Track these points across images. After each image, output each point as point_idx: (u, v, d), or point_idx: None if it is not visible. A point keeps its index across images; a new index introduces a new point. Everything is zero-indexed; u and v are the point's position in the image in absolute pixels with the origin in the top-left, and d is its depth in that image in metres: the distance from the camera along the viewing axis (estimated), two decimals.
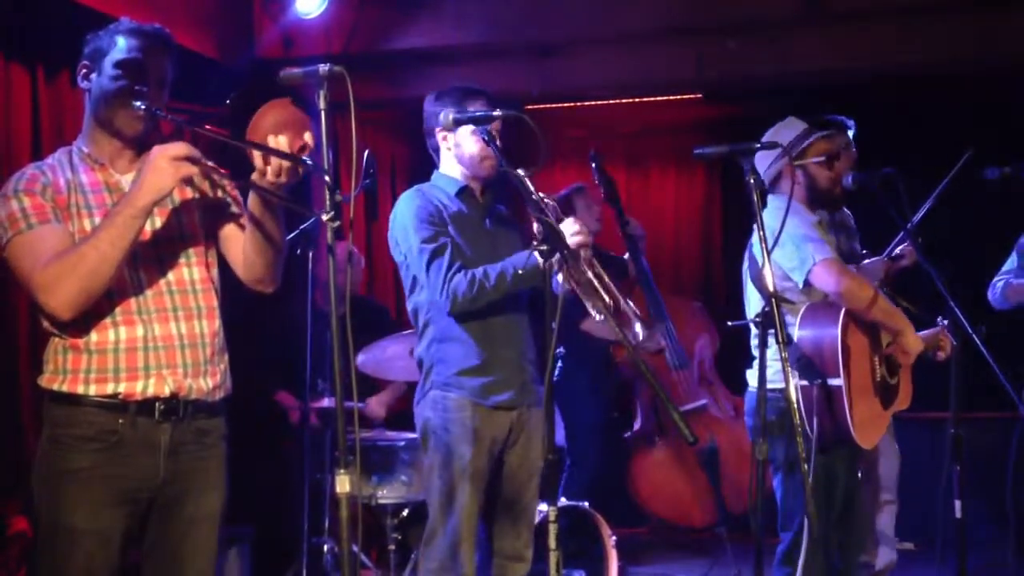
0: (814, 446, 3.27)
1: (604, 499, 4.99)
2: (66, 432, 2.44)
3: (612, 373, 6.01)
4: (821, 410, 3.27)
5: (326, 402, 4.85)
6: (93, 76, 2.51)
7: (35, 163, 2.55)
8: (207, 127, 2.40)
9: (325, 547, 4.81)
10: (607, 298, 2.96)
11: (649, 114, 7.12)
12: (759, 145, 3.03)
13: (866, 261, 4.08)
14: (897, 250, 4.11)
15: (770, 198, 3.56)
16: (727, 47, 5.45)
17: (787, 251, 3.36)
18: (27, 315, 4.25)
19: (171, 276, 2.52)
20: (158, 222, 2.52)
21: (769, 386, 2.97)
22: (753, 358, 3.41)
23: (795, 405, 2.75)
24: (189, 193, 2.60)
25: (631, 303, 3.01)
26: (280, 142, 2.37)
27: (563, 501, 4.32)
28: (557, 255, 2.69)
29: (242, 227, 2.60)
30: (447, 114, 3.09)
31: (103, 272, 2.34)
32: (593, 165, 5.64)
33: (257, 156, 2.39)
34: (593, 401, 5.68)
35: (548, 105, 6.55)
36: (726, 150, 2.93)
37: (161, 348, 2.47)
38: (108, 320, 2.44)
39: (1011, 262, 4.71)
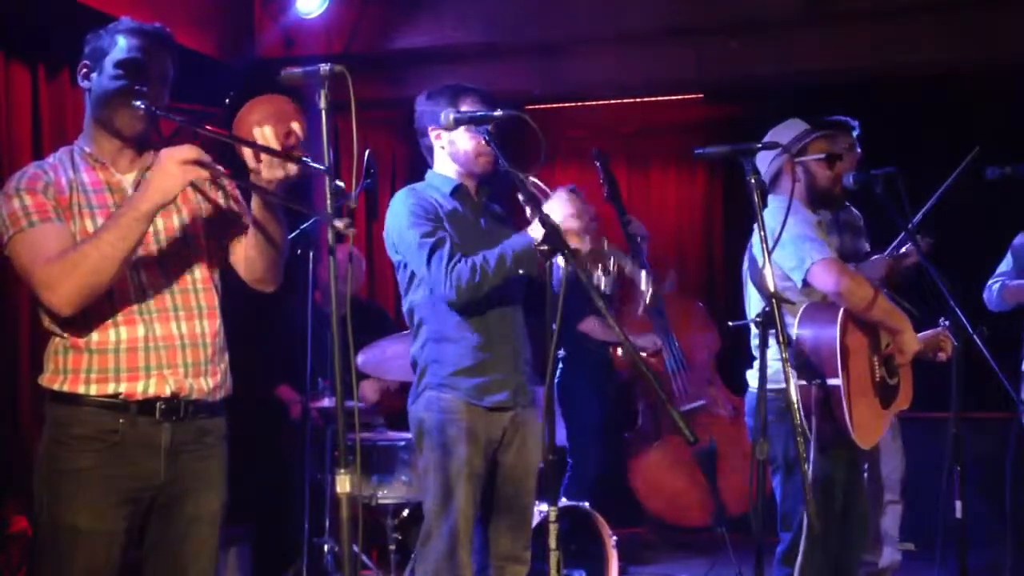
0: (813, 446, 3.27)
1: (604, 499, 4.99)
2: (67, 432, 2.44)
3: (611, 374, 6.01)
4: (820, 410, 3.27)
5: (326, 401, 4.85)
6: (94, 75, 2.51)
7: (37, 162, 2.54)
8: (207, 127, 2.39)
9: (325, 547, 4.81)
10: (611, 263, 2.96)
11: (649, 114, 7.12)
12: (760, 145, 3.02)
13: (867, 260, 4.07)
14: (903, 249, 4.11)
15: (771, 198, 3.55)
16: (728, 47, 5.44)
17: (787, 251, 3.35)
18: (28, 315, 4.25)
19: (172, 276, 2.52)
20: (160, 222, 2.51)
21: (769, 386, 2.97)
22: (753, 358, 3.41)
23: (795, 406, 2.74)
24: (192, 194, 2.59)
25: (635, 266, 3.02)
26: (265, 133, 2.35)
27: (563, 501, 4.33)
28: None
29: (244, 227, 2.60)
30: (447, 114, 3.02)
31: (105, 271, 2.34)
32: (597, 164, 5.64)
33: (248, 154, 2.38)
34: (593, 401, 5.68)
35: (548, 105, 6.55)
36: (727, 150, 2.92)
37: (162, 348, 2.47)
38: (109, 320, 2.44)
39: (1006, 263, 4.70)
